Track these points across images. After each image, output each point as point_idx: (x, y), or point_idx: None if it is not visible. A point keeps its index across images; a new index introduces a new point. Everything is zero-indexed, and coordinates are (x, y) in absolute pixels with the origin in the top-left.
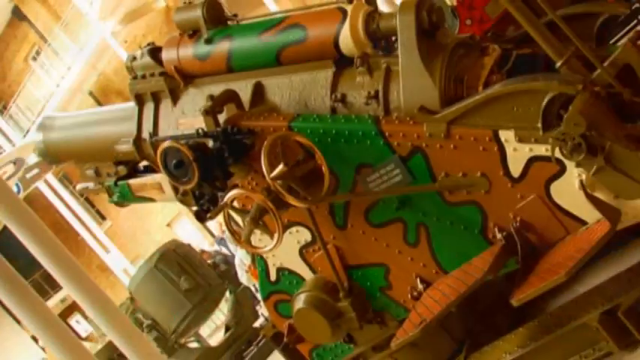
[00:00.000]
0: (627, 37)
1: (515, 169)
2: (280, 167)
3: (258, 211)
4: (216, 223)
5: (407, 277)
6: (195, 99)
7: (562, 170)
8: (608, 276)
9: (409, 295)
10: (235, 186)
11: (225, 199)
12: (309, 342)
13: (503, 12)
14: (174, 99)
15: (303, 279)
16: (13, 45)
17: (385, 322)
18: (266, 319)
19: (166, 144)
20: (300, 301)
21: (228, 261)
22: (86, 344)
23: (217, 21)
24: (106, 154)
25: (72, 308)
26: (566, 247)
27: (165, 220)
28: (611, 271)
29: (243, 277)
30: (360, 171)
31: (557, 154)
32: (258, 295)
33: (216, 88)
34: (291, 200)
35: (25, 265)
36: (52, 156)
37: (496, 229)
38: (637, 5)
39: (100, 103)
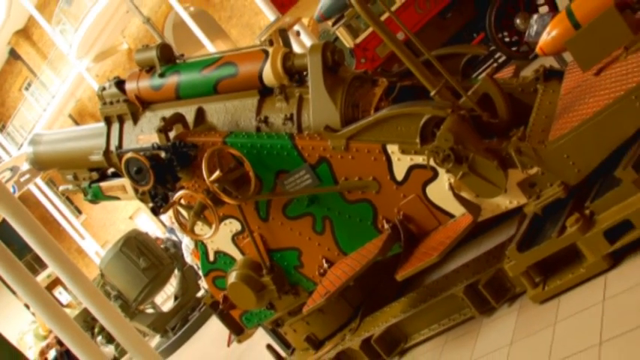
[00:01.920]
0: (486, 72)
1: (399, 175)
2: (217, 173)
3: (200, 207)
4: (168, 217)
5: (315, 259)
6: (151, 120)
7: (435, 175)
8: (471, 257)
9: (317, 272)
10: (182, 187)
11: (175, 198)
12: (240, 308)
13: (390, 53)
14: (135, 120)
15: (234, 259)
16: (10, 78)
17: (299, 293)
18: (206, 291)
19: (129, 155)
20: (232, 277)
21: (177, 246)
22: (67, 310)
23: (168, 60)
24: (82, 163)
25: (55, 282)
26: (438, 235)
27: (128, 213)
28: (473, 254)
29: (189, 258)
30: (279, 176)
31: (432, 162)
32: (200, 272)
33: (168, 112)
34: (226, 198)
35: (19, 248)
36: (40, 164)
37: (384, 221)
38: (493, 48)
39: (77, 123)
